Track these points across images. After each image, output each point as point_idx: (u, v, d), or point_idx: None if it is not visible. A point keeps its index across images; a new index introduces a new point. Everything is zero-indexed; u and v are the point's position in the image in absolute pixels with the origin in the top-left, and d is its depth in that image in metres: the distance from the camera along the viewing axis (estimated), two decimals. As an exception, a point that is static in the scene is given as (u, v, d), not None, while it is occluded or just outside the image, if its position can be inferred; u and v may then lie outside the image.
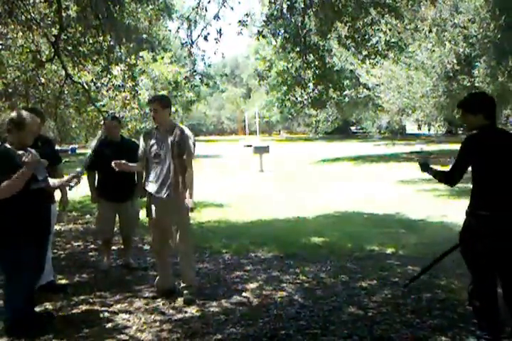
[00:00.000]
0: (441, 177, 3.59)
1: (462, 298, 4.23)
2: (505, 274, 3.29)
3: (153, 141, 4.49)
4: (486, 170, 3.29)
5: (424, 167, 3.75)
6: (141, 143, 4.62)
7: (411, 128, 42.62)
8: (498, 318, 3.30)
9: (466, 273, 5.01)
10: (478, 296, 3.34)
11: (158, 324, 3.88)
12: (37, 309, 4.08)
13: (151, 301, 4.39)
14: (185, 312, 4.12)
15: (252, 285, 4.80)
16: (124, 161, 4.49)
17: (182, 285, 4.52)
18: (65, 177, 4.08)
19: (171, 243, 4.62)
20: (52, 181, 3.92)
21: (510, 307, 3.30)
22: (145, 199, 4.74)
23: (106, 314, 4.09)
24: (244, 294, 4.55)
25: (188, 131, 4.51)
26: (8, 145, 3.66)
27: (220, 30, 8.24)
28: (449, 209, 8.61)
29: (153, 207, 4.52)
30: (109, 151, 5.27)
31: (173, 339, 3.60)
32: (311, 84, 12.29)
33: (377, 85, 16.50)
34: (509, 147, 3.31)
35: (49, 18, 8.27)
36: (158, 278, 4.65)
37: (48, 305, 4.27)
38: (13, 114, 3.74)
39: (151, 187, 4.48)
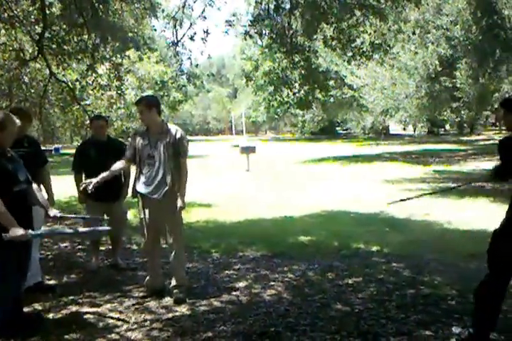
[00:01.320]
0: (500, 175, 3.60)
1: (444, 294, 4.35)
2: None
3: (145, 142, 4.45)
4: None
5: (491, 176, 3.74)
6: (131, 141, 4.58)
7: (395, 128, 42.97)
8: (496, 317, 3.35)
9: (449, 270, 5.16)
10: (490, 294, 3.35)
11: (148, 323, 3.89)
12: (25, 310, 4.07)
13: (141, 301, 4.40)
14: (176, 311, 4.15)
15: (241, 284, 4.84)
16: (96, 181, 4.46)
17: (172, 284, 4.55)
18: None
19: (163, 243, 4.66)
20: (37, 192, 3.95)
21: None
22: (133, 199, 4.75)
23: (96, 314, 4.10)
24: (233, 293, 4.59)
25: (181, 131, 4.53)
26: None
27: (207, 30, 8.31)
28: (432, 207, 8.75)
29: (146, 208, 4.52)
30: (95, 151, 5.27)
31: (164, 337, 3.62)
32: (297, 85, 12.36)
33: (361, 86, 16.65)
34: None
35: (32, 16, 8.19)
36: (148, 278, 4.67)
37: (37, 306, 4.25)
38: None
39: (145, 189, 4.47)
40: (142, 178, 4.48)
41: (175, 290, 4.47)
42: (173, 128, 4.51)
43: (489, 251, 3.38)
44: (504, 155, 3.39)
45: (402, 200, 4.48)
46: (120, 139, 18.20)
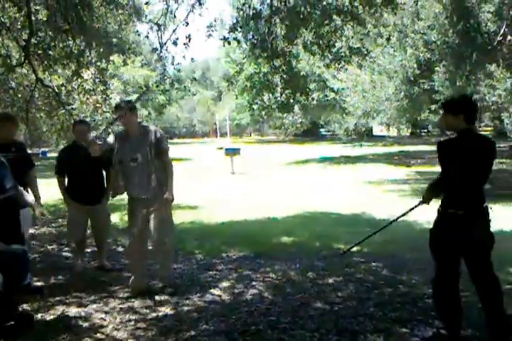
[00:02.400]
0: (439, 189, 3.57)
1: (422, 293, 4.43)
2: (467, 260, 3.38)
3: (126, 145, 4.53)
4: (459, 173, 3.33)
5: (426, 200, 3.69)
6: (114, 145, 4.64)
7: (379, 129, 43.20)
8: (458, 310, 3.41)
9: (426, 268, 5.25)
10: (441, 288, 3.46)
11: (133, 323, 3.93)
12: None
13: (126, 301, 4.44)
14: (160, 310, 4.19)
15: (224, 284, 4.89)
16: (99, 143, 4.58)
17: (160, 284, 4.66)
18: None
19: (150, 244, 4.74)
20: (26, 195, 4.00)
21: (480, 297, 3.39)
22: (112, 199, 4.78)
23: (82, 314, 4.13)
24: (216, 292, 4.64)
25: (160, 131, 4.63)
26: None
27: (189, 35, 8.33)
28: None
29: (135, 209, 4.58)
30: (77, 155, 5.29)
31: (149, 336, 3.67)
32: (278, 89, 12.46)
33: (342, 89, 16.79)
34: (480, 150, 3.34)
35: (19, 23, 8.19)
36: (132, 278, 4.70)
37: (25, 307, 4.26)
38: None
39: (133, 190, 4.55)
40: (128, 181, 4.54)
41: (165, 288, 4.61)
42: (151, 128, 4.61)
43: (430, 247, 3.51)
44: (440, 158, 3.46)
45: (355, 245, 4.80)
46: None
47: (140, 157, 4.46)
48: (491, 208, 3.42)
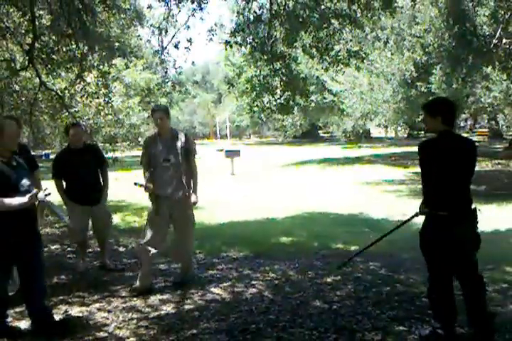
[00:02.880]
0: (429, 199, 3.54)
1: (419, 291, 4.44)
2: (452, 260, 3.39)
3: (159, 147, 4.72)
4: (440, 174, 3.35)
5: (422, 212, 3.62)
6: (144, 149, 4.84)
7: (378, 131, 43.24)
8: (453, 310, 3.44)
9: (423, 267, 5.25)
10: (434, 288, 3.50)
11: (135, 321, 3.95)
12: (18, 310, 4.12)
13: (128, 300, 4.46)
14: (161, 309, 4.21)
15: (225, 283, 4.91)
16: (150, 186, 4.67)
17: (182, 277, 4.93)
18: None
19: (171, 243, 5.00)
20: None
21: (465, 296, 3.42)
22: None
23: (85, 313, 4.15)
24: (217, 291, 4.66)
25: (189, 135, 4.99)
26: None
27: (190, 39, 8.37)
28: (409, 208, 8.84)
29: (163, 208, 4.69)
30: (72, 158, 5.32)
31: (150, 335, 3.69)
32: (278, 91, 12.47)
33: (341, 91, 16.82)
34: (460, 152, 3.37)
35: (23, 27, 8.22)
36: (139, 276, 4.71)
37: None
38: None
39: (163, 190, 4.68)
40: (159, 181, 4.70)
41: (183, 277, 4.93)
42: (180, 132, 4.92)
43: (421, 249, 3.54)
44: (422, 160, 3.48)
45: (349, 259, 4.70)
46: (107, 145, 18.15)
47: (172, 158, 4.69)
48: (479, 210, 3.43)
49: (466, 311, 3.42)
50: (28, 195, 3.32)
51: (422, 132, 40.86)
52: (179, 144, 4.73)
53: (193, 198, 4.78)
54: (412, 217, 3.72)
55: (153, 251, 4.65)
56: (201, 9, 7.78)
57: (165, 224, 4.75)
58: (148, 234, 4.69)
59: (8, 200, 3.31)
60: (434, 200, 3.42)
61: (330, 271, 5.22)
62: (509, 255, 5.78)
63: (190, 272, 5.05)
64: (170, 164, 4.69)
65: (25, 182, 3.50)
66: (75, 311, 4.17)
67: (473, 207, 3.40)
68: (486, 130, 34.05)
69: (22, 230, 3.49)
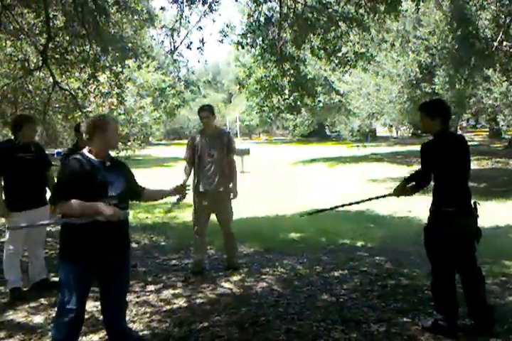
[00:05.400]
0: (416, 181, 3.60)
1: (422, 284, 4.47)
2: (457, 256, 3.43)
3: (205, 143, 5.03)
4: (446, 172, 3.42)
5: (400, 190, 3.71)
6: (190, 143, 5.11)
7: (384, 130, 43.05)
8: (455, 303, 3.47)
9: (426, 261, 5.26)
10: (438, 281, 3.51)
11: (148, 315, 3.98)
12: (33, 305, 4.18)
13: (142, 295, 4.49)
14: (174, 303, 4.24)
15: (235, 278, 4.94)
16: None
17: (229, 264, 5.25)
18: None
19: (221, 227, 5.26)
20: None
21: (465, 288, 3.47)
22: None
23: (99, 307, 4.16)
24: (227, 286, 4.69)
25: (230, 133, 5.46)
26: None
27: (203, 39, 8.39)
28: (413, 205, 8.85)
29: (205, 201, 5.02)
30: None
31: (163, 328, 3.72)
32: (287, 91, 12.47)
33: (348, 92, 16.77)
34: (462, 148, 3.48)
35: (37, 28, 8.26)
36: (194, 259, 5.27)
37: (43, 301, 4.31)
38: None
39: (208, 184, 4.98)
40: (204, 174, 5.00)
41: (230, 263, 5.24)
42: (223, 130, 5.46)
43: (425, 245, 3.56)
44: (422, 160, 3.53)
45: (317, 212, 4.51)
46: (120, 143, 18.15)
47: (216, 153, 4.99)
48: (478, 204, 3.49)
49: (466, 303, 3.45)
50: (112, 208, 2.76)
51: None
52: (222, 141, 5.02)
53: (233, 193, 5.11)
54: (384, 196, 3.87)
55: (202, 239, 5.14)
56: (212, 11, 7.79)
57: (208, 213, 5.13)
58: (195, 225, 5.16)
59: (83, 205, 2.76)
60: (444, 197, 3.45)
61: (337, 265, 5.24)
62: (508, 249, 5.79)
63: (235, 260, 5.30)
64: (213, 159, 4.97)
65: (115, 186, 2.92)
66: (89, 305, 4.18)
67: (472, 201, 3.47)
68: (486, 130, 33.88)
69: (113, 242, 2.92)
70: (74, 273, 2.88)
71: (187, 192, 3.43)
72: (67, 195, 2.78)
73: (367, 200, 3.92)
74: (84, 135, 2.94)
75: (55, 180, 3.14)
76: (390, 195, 3.76)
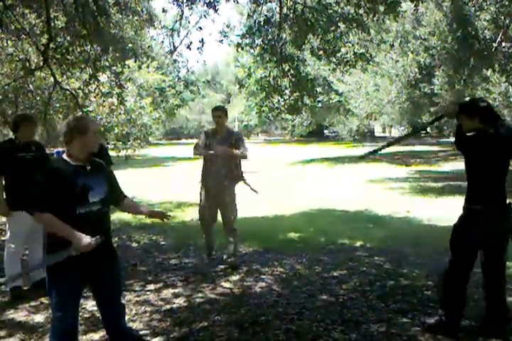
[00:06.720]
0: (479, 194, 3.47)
1: (421, 285, 4.48)
2: (486, 256, 3.42)
3: (216, 140, 5.29)
4: (479, 169, 3.40)
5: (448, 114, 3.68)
6: (202, 139, 5.41)
7: (381, 130, 43.07)
8: (461, 300, 3.46)
9: (426, 262, 5.28)
10: (452, 279, 3.48)
11: (148, 314, 3.98)
12: (33, 304, 4.17)
13: (142, 294, 4.48)
14: (174, 303, 4.23)
15: (234, 278, 4.93)
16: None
17: (225, 257, 5.45)
18: None
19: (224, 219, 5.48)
20: None
21: (487, 285, 3.46)
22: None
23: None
24: (227, 285, 4.68)
25: (240, 133, 5.95)
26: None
27: (202, 39, 8.37)
28: (413, 205, 8.87)
29: (212, 193, 5.34)
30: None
31: (163, 327, 3.71)
32: (287, 92, 12.45)
33: (347, 92, 16.78)
34: (498, 147, 3.37)
35: (38, 28, 8.26)
36: (205, 247, 5.64)
37: (44, 300, 4.28)
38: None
39: (216, 177, 5.26)
40: (213, 172, 5.28)
41: (229, 259, 5.34)
42: (234, 130, 5.80)
43: (451, 243, 3.53)
44: (468, 150, 3.49)
45: (373, 152, 4.74)
46: (119, 143, 18.16)
47: None
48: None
49: (484, 298, 3.46)
50: (93, 239, 2.65)
51: (424, 132, 40.67)
52: (232, 139, 5.30)
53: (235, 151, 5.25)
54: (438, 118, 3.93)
55: (210, 226, 5.55)
56: (215, 11, 7.74)
57: (214, 206, 5.41)
58: (201, 214, 5.51)
59: (60, 228, 2.67)
60: (473, 195, 3.42)
61: (337, 265, 5.23)
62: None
63: (236, 258, 5.37)
64: (222, 158, 5.22)
65: (96, 192, 2.79)
66: (90, 305, 4.18)
67: (506, 201, 3.42)
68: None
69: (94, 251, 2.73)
70: (60, 283, 2.81)
71: (164, 220, 3.24)
72: (45, 205, 2.69)
73: (415, 132, 3.90)
74: (62, 138, 2.82)
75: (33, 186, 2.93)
76: (442, 116, 3.81)
